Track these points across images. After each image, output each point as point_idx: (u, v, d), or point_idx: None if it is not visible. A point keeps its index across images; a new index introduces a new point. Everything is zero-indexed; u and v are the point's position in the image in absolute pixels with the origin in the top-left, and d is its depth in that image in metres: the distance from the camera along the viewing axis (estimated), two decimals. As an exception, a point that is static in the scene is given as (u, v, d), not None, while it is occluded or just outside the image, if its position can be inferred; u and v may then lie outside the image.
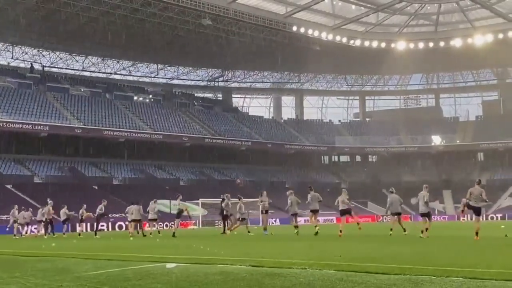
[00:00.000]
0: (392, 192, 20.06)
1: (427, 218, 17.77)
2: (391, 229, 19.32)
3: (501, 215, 56.05)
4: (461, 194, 67.30)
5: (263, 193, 24.33)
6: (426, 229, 17.30)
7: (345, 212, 20.12)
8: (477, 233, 15.34)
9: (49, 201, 29.46)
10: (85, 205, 29.73)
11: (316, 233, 19.70)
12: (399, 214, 20.15)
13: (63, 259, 11.87)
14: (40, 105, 53.34)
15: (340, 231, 18.95)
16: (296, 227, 21.46)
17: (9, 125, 47.71)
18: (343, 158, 77.46)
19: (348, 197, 20.20)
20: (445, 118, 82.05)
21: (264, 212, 24.42)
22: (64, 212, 29.49)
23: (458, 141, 71.88)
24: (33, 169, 50.65)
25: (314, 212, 20.85)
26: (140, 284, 7.16)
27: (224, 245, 15.59)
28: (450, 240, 16.42)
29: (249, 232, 23.65)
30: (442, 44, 59.79)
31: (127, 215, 27.44)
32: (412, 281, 6.70)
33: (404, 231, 19.51)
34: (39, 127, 49.38)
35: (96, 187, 50.15)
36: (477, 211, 15.74)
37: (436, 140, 71.81)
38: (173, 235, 23.57)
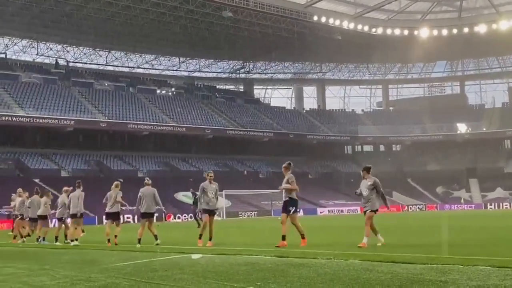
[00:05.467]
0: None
1: None
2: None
3: (529, 203, 55.21)
4: (488, 183, 66.03)
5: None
6: None
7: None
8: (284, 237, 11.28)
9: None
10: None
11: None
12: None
13: (89, 251, 12.05)
14: (65, 100, 54.04)
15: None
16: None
17: (35, 120, 48.49)
18: (367, 148, 76.95)
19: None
20: (471, 106, 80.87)
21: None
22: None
23: (484, 129, 70.75)
24: (60, 163, 51.43)
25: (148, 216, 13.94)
26: (167, 275, 7.23)
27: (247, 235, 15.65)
28: (477, 229, 16.22)
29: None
30: (466, 30, 58.83)
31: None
32: (440, 270, 6.63)
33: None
34: (65, 121, 50.09)
35: (122, 180, 50.64)
36: (283, 207, 11.78)
37: (462, 128, 70.80)
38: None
